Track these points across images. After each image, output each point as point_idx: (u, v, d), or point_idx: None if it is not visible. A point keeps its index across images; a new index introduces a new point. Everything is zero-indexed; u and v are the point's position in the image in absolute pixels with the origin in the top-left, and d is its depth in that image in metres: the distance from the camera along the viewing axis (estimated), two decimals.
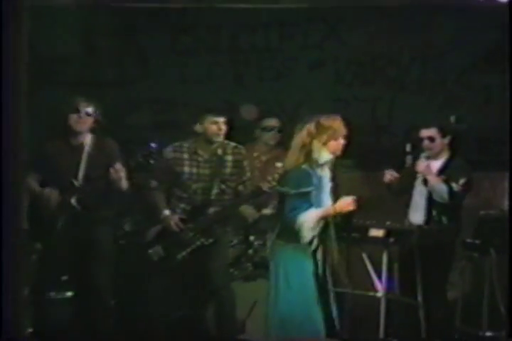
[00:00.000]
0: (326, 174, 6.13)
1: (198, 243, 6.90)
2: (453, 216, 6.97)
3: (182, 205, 7.03)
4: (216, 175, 6.98)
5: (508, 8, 5.80)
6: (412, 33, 8.38)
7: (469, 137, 8.05)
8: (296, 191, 5.99)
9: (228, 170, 7.04)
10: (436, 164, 7.12)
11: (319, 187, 6.05)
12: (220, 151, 7.01)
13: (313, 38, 8.55)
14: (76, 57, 8.45)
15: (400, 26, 8.38)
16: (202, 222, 6.92)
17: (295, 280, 6.04)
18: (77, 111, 6.74)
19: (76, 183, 6.72)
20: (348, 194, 6.24)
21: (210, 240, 6.93)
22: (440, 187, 6.91)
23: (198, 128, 6.99)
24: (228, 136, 7.05)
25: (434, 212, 6.96)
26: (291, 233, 6.00)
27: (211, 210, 6.95)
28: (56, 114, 6.95)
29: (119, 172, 6.64)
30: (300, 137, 6.09)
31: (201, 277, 7.00)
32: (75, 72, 8.46)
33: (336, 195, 6.16)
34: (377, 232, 6.73)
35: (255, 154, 7.79)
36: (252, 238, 7.34)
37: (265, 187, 6.62)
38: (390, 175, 7.15)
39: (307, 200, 5.98)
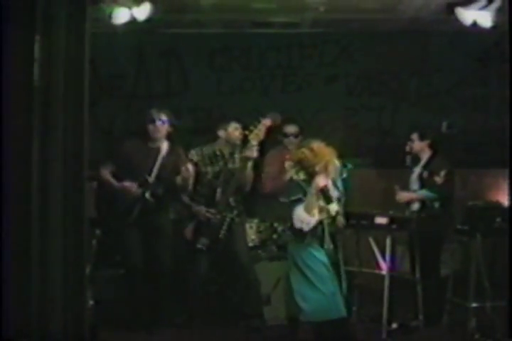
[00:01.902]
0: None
1: (228, 219, 6.91)
2: (443, 203, 7.04)
3: (202, 199, 7.01)
4: (226, 169, 6.98)
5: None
6: (411, 53, 8.44)
7: (458, 140, 8.13)
8: (289, 199, 5.99)
9: (232, 166, 6.99)
10: (422, 162, 7.26)
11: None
12: (236, 151, 7.01)
13: (328, 57, 8.63)
14: (130, 74, 8.59)
15: (400, 47, 8.44)
16: (220, 203, 6.92)
17: (310, 260, 6.05)
18: (153, 121, 6.83)
19: (150, 180, 6.76)
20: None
21: (235, 212, 6.97)
22: (425, 196, 7.06)
23: (221, 133, 7.04)
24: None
25: (427, 202, 7.08)
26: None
27: (220, 191, 6.94)
28: (136, 123, 7.08)
29: (189, 172, 6.76)
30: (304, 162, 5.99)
31: (227, 255, 7.02)
32: (129, 86, 8.58)
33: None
34: (381, 220, 6.75)
35: (278, 156, 7.50)
36: (275, 224, 7.34)
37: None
38: (401, 195, 7.23)
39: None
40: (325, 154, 5.94)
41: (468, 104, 8.45)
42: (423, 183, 7.16)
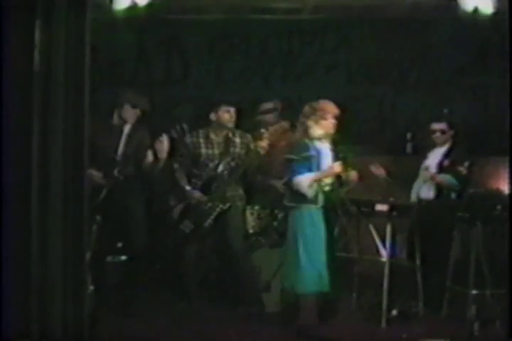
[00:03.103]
0: (325, 146, 6.46)
1: (218, 209, 6.98)
2: (460, 193, 7.06)
3: (199, 182, 7.07)
4: (226, 154, 7.06)
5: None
6: (412, 41, 8.41)
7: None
8: (298, 156, 6.34)
9: (237, 150, 7.11)
10: (442, 150, 7.34)
11: (319, 157, 6.40)
12: (230, 134, 7.12)
13: (328, 45, 8.59)
14: (130, 60, 8.56)
15: (401, 35, 8.41)
16: (216, 191, 6.99)
17: (307, 243, 6.30)
18: (134, 106, 6.95)
19: (117, 158, 6.88)
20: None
21: (227, 205, 7.01)
22: (446, 180, 7.11)
23: (212, 116, 7.11)
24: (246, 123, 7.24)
25: (444, 190, 7.11)
26: (295, 195, 6.35)
27: (221, 181, 7.01)
28: (107, 106, 7.13)
29: (163, 143, 6.81)
30: (300, 118, 6.46)
31: (226, 242, 7.08)
32: (130, 73, 8.56)
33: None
34: (382, 207, 6.75)
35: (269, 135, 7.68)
36: (276, 211, 7.36)
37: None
38: (376, 168, 7.29)
39: (307, 166, 6.35)
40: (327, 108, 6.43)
41: (468, 92, 8.42)
42: (443, 171, 7.20)
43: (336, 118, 6.46)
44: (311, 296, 6.34)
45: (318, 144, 6.44)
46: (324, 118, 6.43)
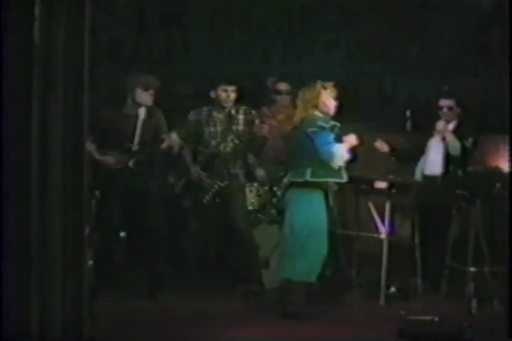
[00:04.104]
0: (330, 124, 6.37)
1: (216, 186, 7.01)
2: (465, 170, 7.09)
3: (203, 159, 7.11)
4: (228, 131, 7.06)
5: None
6: (412, 18, 8.32)
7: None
8: (326, 125, 6.29)
9: (240, 127, 7.13)
10: (450, 126, 7.34)
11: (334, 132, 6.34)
12: (233, 112, 7.12)
13: (329, 21, 8.51)
14: (130, 38, 8.51)
15: (401, 12, 8.31)
16: (214, 168, 7.02)
17: (304, 221, 6.28)
18: (147, 89, 6.74)
19: (133, 148, 6.73)
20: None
21: (225, 182, 7.03)
22: (455, 143, 7.13)
23: (212, 94, 7.12)
24: (247, 100, 7.16)
25: (451, 167, 7.10)
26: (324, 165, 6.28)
27: (221, 159, 7.04)
28: (120, 89, 6.93)
29: (173, 139, 6.69)
30: (307, 95, 6.39)
31: (225, 218, 7.12)
32: (130, 51, 8.50)
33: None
34: (381, 184, 6.75)
35: (272, 114, 7.69)
36: (275, 188, 7.36)
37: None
38: (380, 144, 7.29)
39: (333, 136, 6.29)
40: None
41: (468, 70, 8.33)
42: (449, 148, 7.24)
43: (337, 99, 6.43)
44: (298, 283, 6.29)
45: (326, 121, 6.37)
46: (325, 105, 6.41)
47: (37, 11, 5.16)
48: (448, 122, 7.34)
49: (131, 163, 6.72)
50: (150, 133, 6.79)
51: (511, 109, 5.15)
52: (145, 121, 6.79)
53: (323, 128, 6.28)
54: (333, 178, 6.36)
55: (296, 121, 6.46)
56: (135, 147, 6.74)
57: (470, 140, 7.12)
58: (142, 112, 6.79)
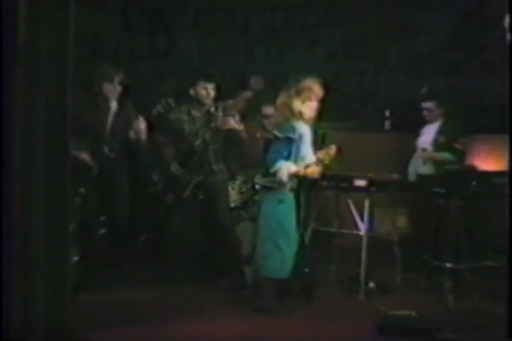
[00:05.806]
0: (306, 129, 6.30)
1: (194, 181, 7.01)
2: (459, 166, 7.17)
3: (183, 156, 7.09)
4: (206, 128, 7.02)
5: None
6: (393, 17, 8.38)
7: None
8: (283, 135, 6.18)
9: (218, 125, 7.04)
10: (434, 127, 7.51)
11: (300, 140, 6.23)
12: (212, 109, 7.09)
13: (311, 20, 8.56)
14: (114, 34, 8.54)
15: (382, 11, 8.36)
16: (192, 164, 7.03)
17: (276, 221, 6.26)
18: (111, 80, 6.80)
19: (106, 135, 6.80)
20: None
21: (202, 177, 7.02)
22: (447, 158, 7.29)
23: (191, 92, 7.10)
24: (229, 98, 7.01)
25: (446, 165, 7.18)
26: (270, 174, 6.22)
27: (198, 155, 7.04)
28: (92, 82, 6.92)
29: (141, 124, 6.77)
30: (284, 97, 6.30)
31: (208, 214, 7.12)
32: (114, 47, 8.55)
33: (315, 148, 6.38)
34: (360, 182, 6.78)
35: (258, 135, 7.48)
36: (257, 186, 7.21)
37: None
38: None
39: (288, 148, 6.19)
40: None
41: (448, 68, 8.35)
42: (439, 148, 7.41)
43: (319, 100, 6.34)
44: (271, 280, 6.32)
45: (301, 127, 6.26)
46: (310, 99, 6.29)
47: (21, 7, 5.17)
48: (431, 122, 7.47)
49: (105, 149, 6.76)
50: (121, 125, 6.86)
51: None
52: (116, 114, 6.87)
53: (278, 138, 6.23)
54: (279, 187, 6.27)
55: (272, 123, 6.49)
56: (107, 135, 6.80)
57: (461, 140, 7.32)
58: (113, 105, 6.88)
